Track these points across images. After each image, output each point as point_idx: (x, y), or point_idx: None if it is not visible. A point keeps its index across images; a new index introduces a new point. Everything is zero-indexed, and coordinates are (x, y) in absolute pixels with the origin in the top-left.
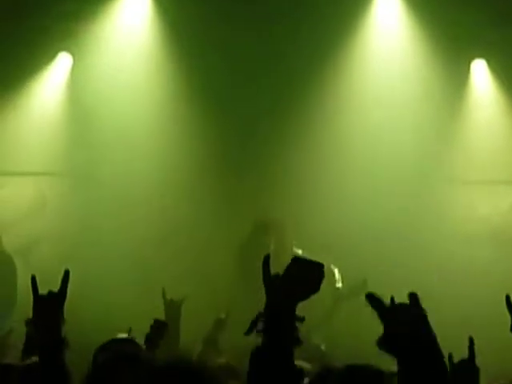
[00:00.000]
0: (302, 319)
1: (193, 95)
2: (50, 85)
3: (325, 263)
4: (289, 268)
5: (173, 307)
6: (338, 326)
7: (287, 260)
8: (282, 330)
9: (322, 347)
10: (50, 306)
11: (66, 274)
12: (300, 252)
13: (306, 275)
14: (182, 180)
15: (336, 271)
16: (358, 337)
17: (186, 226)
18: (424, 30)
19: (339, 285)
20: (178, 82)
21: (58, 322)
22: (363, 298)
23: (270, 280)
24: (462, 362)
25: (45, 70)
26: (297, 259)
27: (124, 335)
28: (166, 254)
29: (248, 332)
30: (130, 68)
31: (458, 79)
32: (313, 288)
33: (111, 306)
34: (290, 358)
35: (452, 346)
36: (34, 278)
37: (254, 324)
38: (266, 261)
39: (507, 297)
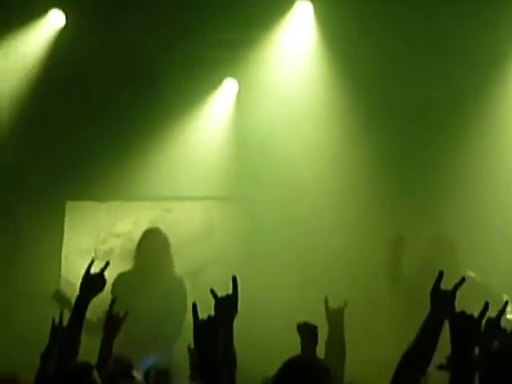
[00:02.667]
0: None
1: (360, 123)
2: (217, 110)
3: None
4: None
5: (335, 316)
6: None
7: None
8: None
9: None
10: (210, 332)
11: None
12: (473, 274)
13: None
14: (349, 200)
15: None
16: None
17: (353, 246)
18: None
19: (510, 316)
20: (345, 111)
21: (217, 348)
22: None
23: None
24: None
25: (211, 96)
26: None
27: None
28: (334, 274)
29: None
30: (296, 94)
31: None
32: None
33: (279, 330)
34: None
35: None
36: (194, 306)
37: None
38: None
39: None
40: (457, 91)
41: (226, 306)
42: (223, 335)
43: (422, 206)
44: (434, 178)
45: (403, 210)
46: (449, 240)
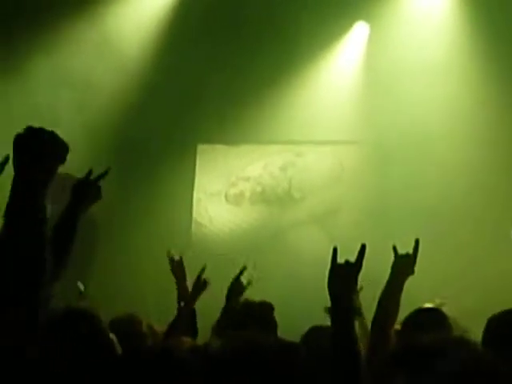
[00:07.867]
0: None
1: (496, 74)
2: (348, 54)
3: None
4: None
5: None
6: None
7: None
8: None
9: None
10: (345, 275)
11: (363, 248)
12: None
13: None
14: (480, 147)
15: None
16: None
17: (482, 187)
18: None
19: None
20: (481, 60)
21: (351, 291)
22: None
23: None
24: None
25: (343, 40)
26: None
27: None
28: (448, 228)
29: None
30: (429, 38)
31: None
32: None
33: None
34: None
35: None
36: (335, 250)
37: None
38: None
39: None
40: None
41: (404, 264)
42: (391, 291)
43: None
44: None
45: None
46: None
